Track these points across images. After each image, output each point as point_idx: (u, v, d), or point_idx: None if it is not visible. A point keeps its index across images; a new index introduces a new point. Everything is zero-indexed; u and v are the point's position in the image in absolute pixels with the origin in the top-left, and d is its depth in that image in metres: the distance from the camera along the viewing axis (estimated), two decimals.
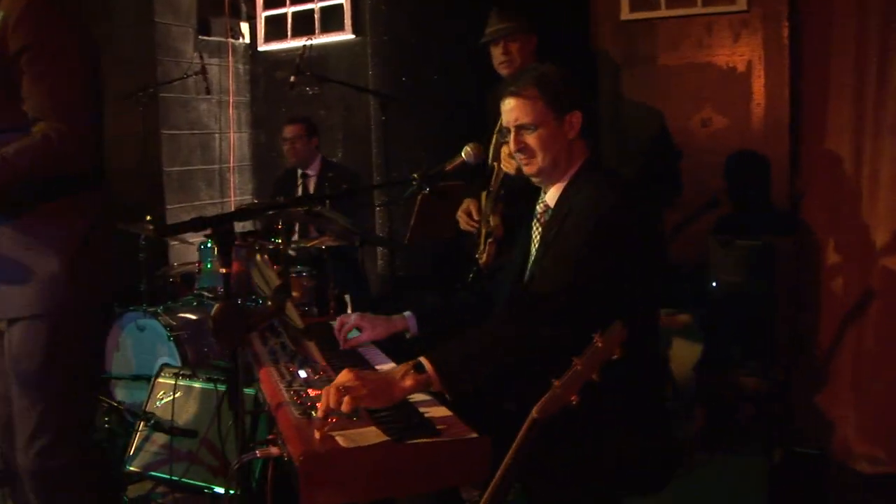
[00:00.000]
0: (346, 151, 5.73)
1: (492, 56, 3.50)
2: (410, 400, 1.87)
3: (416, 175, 2.21)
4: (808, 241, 4.10)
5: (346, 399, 1.68)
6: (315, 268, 4.33)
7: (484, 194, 3.48)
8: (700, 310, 4.03)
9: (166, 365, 3.61)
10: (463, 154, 2.26)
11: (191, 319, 4.04)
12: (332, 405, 1.69)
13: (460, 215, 3.57)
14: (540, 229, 2.27)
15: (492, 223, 3.40)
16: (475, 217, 3.51)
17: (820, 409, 3.99)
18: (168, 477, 3.22)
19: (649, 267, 2.10)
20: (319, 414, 1.72)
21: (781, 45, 4.12)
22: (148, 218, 4.04)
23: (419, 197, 3.85)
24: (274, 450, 1.77)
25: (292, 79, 4.18)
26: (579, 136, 2.16)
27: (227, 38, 5.66)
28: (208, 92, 4.88)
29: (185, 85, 5.18)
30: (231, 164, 5.88)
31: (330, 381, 1.82)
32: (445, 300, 2.82)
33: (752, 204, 4.21)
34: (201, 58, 4.91)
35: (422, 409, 1.84)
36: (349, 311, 4.88)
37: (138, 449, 3.34)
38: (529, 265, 2.27)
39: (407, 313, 2.45)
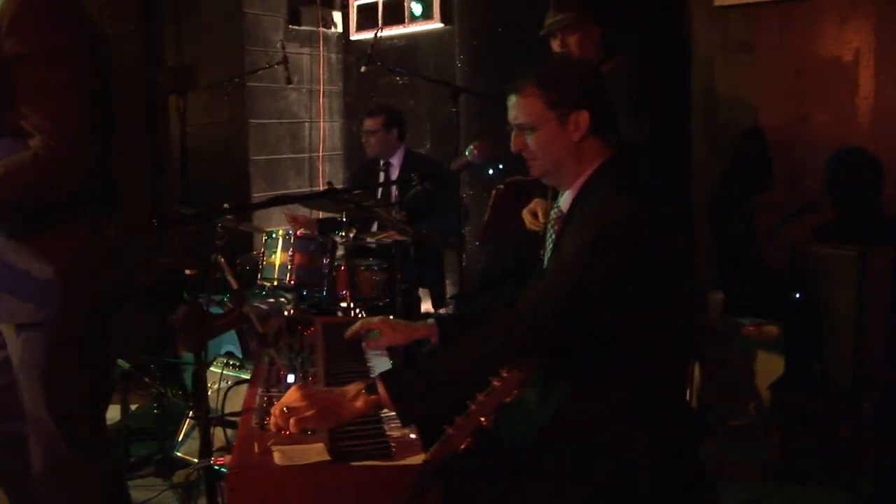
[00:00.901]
0: (433, 142, 5.65)
1: (551, 51, 3.29)
2: (381, 414, 1.77)
3: (414, 175, 2.09)
4: None
5: (291, 421, 1.62)
6: (387, 261, 4.26)
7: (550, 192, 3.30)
8: (789, 322, 3.71)
9: (228, 353, 3.66)
10: (467, 153, 2.12)
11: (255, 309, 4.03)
12: (280, 425, 1.64)
13: (525, 214, 3.40)
14: (553, 237, 2.10)
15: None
16: (541, 218, 3.33)
17: None
18: (211, 464, 3.24)
19: (662, 278, 1.90)
20: (272, 428, 1.66)
21: None
22: (226, 205, 4.08)
23: (493, 192, 3.70)
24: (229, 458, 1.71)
25: (363, 69, 4.15)
26: (591, 136, 1.96)
27: (318, 27, 5.68)
28: (289, 81, 4.90)
29: (273, 75, 5.22)
30: (320, 154, 5.93)
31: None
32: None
33: (854, 206, 3.82)
34: (283, 47, 4.94)
35: (389, 426, 1.73)
36: (422, 306, 4.83)
37: (186, 436, 3.39)
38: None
39: (430, 321, 2.35)
